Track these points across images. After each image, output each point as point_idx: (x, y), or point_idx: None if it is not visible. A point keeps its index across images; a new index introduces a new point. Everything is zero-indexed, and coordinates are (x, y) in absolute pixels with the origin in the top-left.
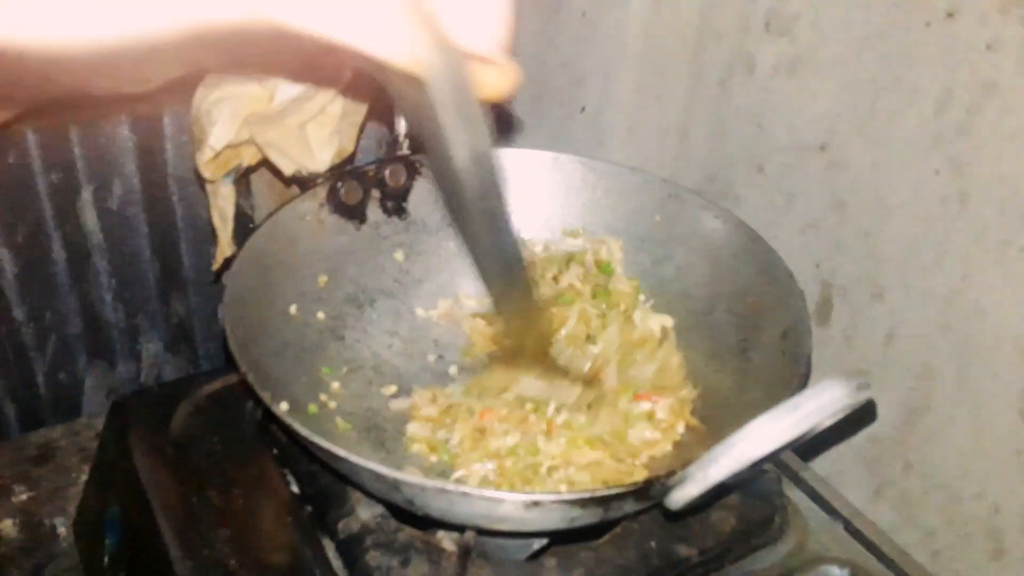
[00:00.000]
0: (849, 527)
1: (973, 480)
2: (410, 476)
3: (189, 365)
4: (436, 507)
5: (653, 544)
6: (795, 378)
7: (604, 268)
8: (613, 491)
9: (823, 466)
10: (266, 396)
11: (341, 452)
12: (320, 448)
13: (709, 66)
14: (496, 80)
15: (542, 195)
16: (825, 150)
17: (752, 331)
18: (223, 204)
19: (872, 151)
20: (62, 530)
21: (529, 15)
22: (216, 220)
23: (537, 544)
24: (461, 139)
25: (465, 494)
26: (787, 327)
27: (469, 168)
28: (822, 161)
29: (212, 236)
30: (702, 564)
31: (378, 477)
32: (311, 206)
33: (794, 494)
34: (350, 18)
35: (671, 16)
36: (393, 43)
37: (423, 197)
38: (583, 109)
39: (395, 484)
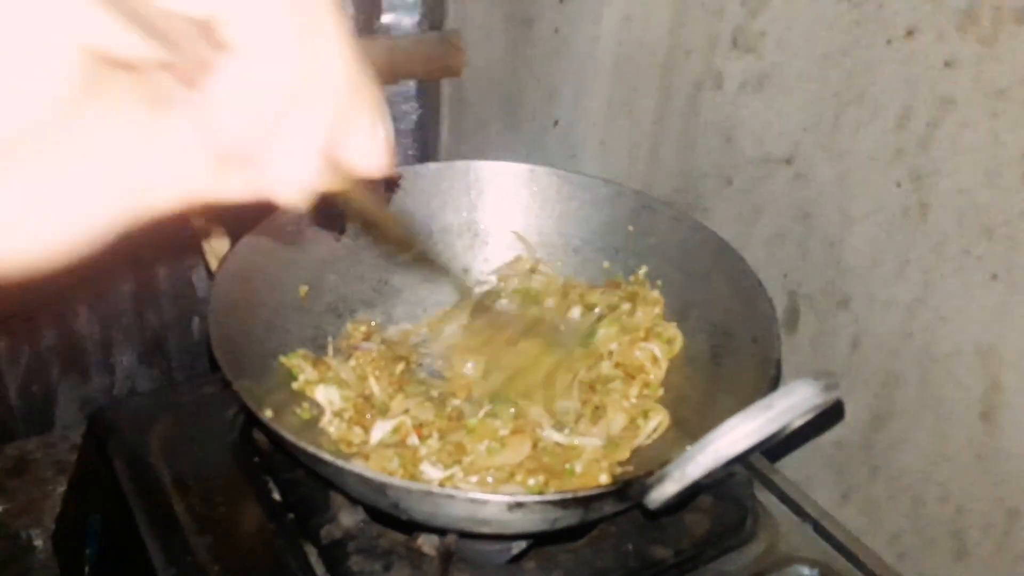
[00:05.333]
0: (818, 528)
1: (937, 483)
2: (396, 479)
3: (163, 377)
4: (421, 510)
5: (630, 546)
6: (765, 382)
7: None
8: (594, 491)
9: (792, 471)
10: (252, 404)
11: (327, 456)
12: (306, 453)
13: (678, 81)
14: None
15: (518, 207)
16: (791, 163)
17: (723, 337)
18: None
19: (836, 164)
20: (39, 542)
21: (503, 30)
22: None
23: (517, 548)
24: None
25: (450, 496)
26: (757, 333)
27: None
28: (788, 174)
29: (187, 249)
30: (677, 565)
31: (364, 481)
32: (290, 217)
33: (764, 497)
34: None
35: (641, 33)
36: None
37: (402, 209)
38: (556, 123)
39: (381, 487)
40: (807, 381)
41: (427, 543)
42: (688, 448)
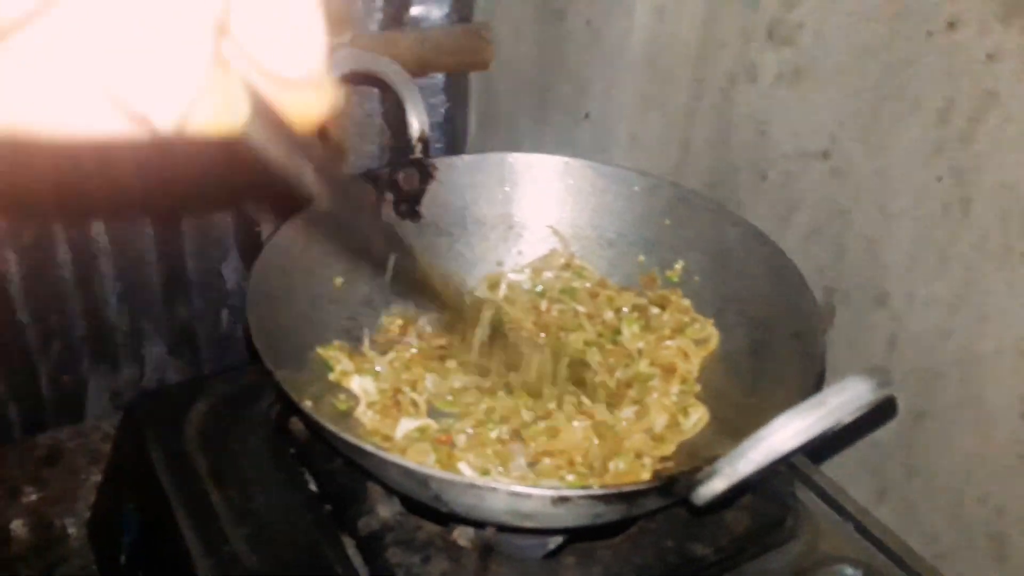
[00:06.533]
0: (860, 528)
1: (976, 483)
2: (439, 471)
3: (192, 368)
4: (463, 503)
5: (669, 543)
6: (810, 379)
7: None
8: (639, 486)
9: (827, 470)
10: (293, 394)
11: (370, 448)
12: (348, 444)
13: (712, 74)
14: (313, 104)
15: (552, 199)
16: (828, 158)
17: (763, 332)
18: None
19: (875, 159)
20: (72, 530)
21: (533, 23)
22: None
23: (553, 543)
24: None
25: (494, 489)
26: (799, 328)
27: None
28: (825, 169)
29: (216, 240)
30: (717, 563)
31: (407, 473)
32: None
33: (805, 495)
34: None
35: (674, 25)
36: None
37: (436, 200)
38: (587, 116)
39: (424, 480)
40: (860, 377)
41: (462, 536)
42: (740, 444)
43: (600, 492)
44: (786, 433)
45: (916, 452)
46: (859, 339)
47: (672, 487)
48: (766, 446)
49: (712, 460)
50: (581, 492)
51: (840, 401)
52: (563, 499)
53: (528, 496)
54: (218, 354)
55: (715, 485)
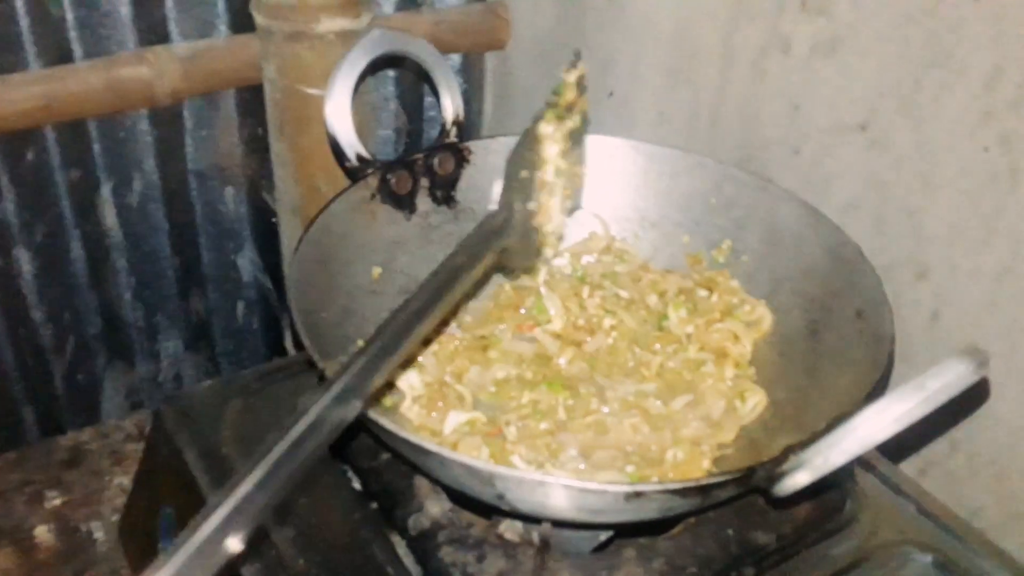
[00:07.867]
0: (921, 509)
1: (1022, 456)
2: (506, 469)
3: (208, 363)
4: (529, 500)
5: (731, 532)
6: (880, 360)
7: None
8: (718, 479)
9: None
10: None
11: (431, 446)
12: (407, 443)
13: (742, 48)
14: None
15: (591, 181)
16: (866, 130)
17: (822, 312)
18: None
19: (917, 130)
20: (99, 535)
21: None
22: None
23: (604, 535)
24: None
25: (566, 486)
26: (861, 307)
27: None
28: (863, 141)
29: (230, 232)
30: (780, 550)
31: (470, 471)
32: (362, 197)
33: (862, 478)
34: None
35: None
36: None
37: (472, 185)
38: (611, 94)
39: (489, 478)
40: (958, 359)
41: (510, 529)
42: (831, 432)
43: (677, 486)
44: (883, 421)
45: (959, 427)
46: (899, 315)
47: (751, 479)
48: (861, 435)
49: (798, 448)
50: (657, 487)
51: (941, 385)
52: (637, 494)
53: (602, 492)
54: (235, 348)
55: (800, 477)
